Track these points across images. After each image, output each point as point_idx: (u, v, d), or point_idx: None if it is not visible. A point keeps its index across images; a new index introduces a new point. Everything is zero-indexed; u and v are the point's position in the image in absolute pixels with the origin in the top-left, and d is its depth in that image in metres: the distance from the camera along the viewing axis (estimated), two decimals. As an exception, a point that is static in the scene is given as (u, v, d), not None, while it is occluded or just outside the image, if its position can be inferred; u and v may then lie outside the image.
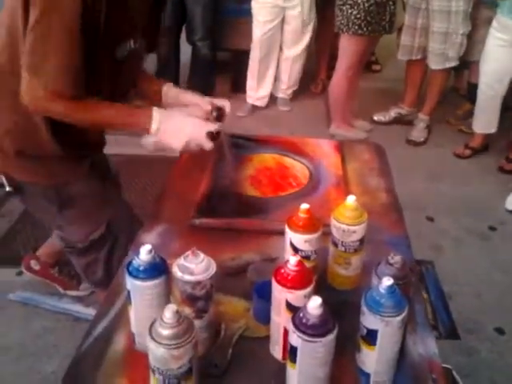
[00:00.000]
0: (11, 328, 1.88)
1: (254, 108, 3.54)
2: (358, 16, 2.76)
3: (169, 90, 1.41)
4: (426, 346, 0.95)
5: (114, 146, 1.61)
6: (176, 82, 3.56)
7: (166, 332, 0.72)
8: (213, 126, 1.24)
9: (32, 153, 1.29)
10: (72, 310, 1.92)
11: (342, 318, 0.96)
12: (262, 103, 3.54)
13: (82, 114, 1.18)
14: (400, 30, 3.15)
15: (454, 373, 1.70)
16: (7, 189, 1.35)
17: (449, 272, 2.27)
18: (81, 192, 1.37)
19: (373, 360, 0.83)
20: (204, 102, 1.37)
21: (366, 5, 2.74)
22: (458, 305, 2.11)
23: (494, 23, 2.76)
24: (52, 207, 1.38)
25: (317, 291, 1.00)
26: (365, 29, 2.80)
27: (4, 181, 1.34)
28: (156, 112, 1.20)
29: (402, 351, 0.90)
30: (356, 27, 2.80)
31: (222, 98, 1.40)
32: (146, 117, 1.20)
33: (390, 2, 2.80)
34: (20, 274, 2.04)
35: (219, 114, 1.36)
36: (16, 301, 1.96)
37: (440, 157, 3.15)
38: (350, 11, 2.78)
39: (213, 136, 1.22)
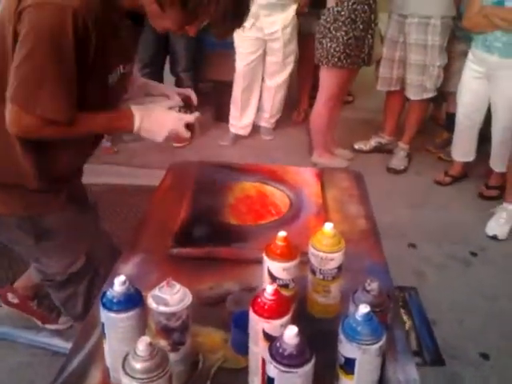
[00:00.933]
0: (-14, 364, 1.83)
1: (237, 137, 3.57)
2: (338, 49, 2.83)
3: (136, 80, 1.46)
4: (406, 373, 0.94)
5: (92, 176, 1.61)
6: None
7: (138, 365, 0.70)
8: (190, 118, 1.34)
9: (7, 183, 1.28)
10: (50, 344, 1.86)
11: (321, 347, 0.96)
12: (244, 132, 3.57)
13: (73, 132, 1.21)
14: (378, 62, 3.23)
15: (439, 401, 1.68)
16: None
17: (432, 298, 2.27)
18: (57, 224, 1.36)
19: (351, 389, 0.82)
20: (172, 93, 1.44)
21: (345, 38, 2.82)
22: (441, 331, 2.10)
23: (470, 56, 2.84)
24: (29, 239, 1.36)
25: (296, 320, 1.00)
26: (344, 61, 2.87)
27: None
28: (136, 111, 1.26)
29: (382, 379, 0.90)
30: (335, 59, 2.86)
31: (187, 89, 1.49)
32: (129, 118, 1.26)
33: (369, 36, 2.88)
34: (-4, 307, 1.99)
35: (188, 104, 1.45)
36: (-9, 335, 1.91)
37: (420, 184, 3.19)
38: (329, 44, 2.85)
39: (189, 126, 1.34)
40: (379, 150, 3.50)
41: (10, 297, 1.90)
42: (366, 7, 2.80)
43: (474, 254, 2.59)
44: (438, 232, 2.73)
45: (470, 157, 3.07)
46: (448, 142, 3.28)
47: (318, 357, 0.86)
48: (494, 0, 2.61)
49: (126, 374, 0.71)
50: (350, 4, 2.77)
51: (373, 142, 3.51)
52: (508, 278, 2.43)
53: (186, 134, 1.32)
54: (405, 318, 2.12)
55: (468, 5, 2.80)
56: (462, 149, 3.08)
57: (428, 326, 2.11)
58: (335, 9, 2.81)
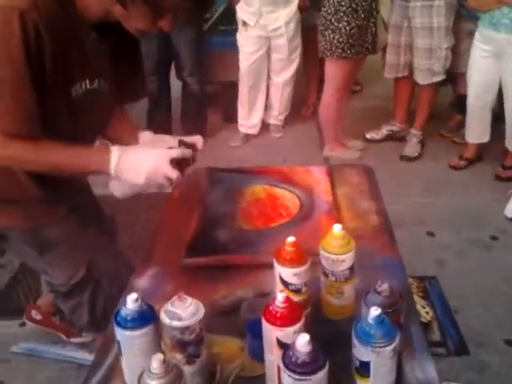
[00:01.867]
0: (16, 381, 1.87)
1: (247, 137, 3.57)
2: (341, 40, 2.81)
3: (145, 135, 1.41)
4: (424, 371, 0.93)
5: (106, 187, 1.60)
6: (168, 119, 3.61)
7: (153, 383, 0.71)
8: (176, 152, 1.17)
9: (8, 196, 1.28)
10: (76, 357, 1.90)
11: (337, 349, 0.96)
12: (254, 131, 3.57)
13: (33, 156, 1.13)
14: (384, 49, 3.19)
15: (466, 391, 1.66)
16: None
17: (454, 286, 2.25)
18: (57, 236, 1.35)
19: (369, 392, 0.82)
20: (172, 139, 1.33)
21: (348, 28, 2.79)
22: (465, 319, 2.08)
23: (477, 35, 2.80)
24: (33, 251, 1.37)
25: (311, 323, 1.01)
26: (348, 51, 2.84)
27: None
28: (115, 149, 1.15)
29: (400, 379, 0.89)
30: (339, 51, 2.84)
31: (195, 136, 1.33)
32: (103, 154, 1.15)
33: (371, 24, 2.85)
34: (23, 324, 2.03)
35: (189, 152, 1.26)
36: (20, 353, 1.95)
37: (435, 170, 3.15)
38: (332, 36, 2.82)
39: (179, 163, 1.16)
40: (391, 138, 3.47)
41: (34, 313, 1.94)
42: None
43: (494, 238, 2.55)
44: (456, 218, 2.70)
45: (485, 138, 3.02)
46: (461, 125, 3.23)
47: (336, 358, 0.86)
48: (499, -23, 2.55)
49: None
50: None
51: (384, 131, 3.48)
52: (531, 260, 2.39)
53: (172, 172, 1.14)
54: (427, 308, 2.10)
55: (473, -17, 2.75)
56: (476, 130, 3.03)
57: (451, 315, 2.09)
58: (335, 0, 2.78)
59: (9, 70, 1.06)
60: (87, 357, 1.85)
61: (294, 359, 0.74)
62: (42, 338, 1.98)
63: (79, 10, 1.14)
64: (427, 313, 2.09)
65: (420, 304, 2.13)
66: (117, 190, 1.24)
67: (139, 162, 1.15)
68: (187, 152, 1.21)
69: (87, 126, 1.27)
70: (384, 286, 0.85)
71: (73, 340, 1.95)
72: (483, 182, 3.00)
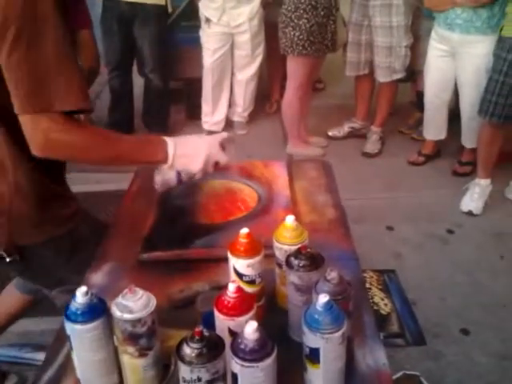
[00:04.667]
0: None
1: (211, 134, 3.55)
2: (301, 37, 2.84)
3: None
4: (375, 357, 0.95)
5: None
6: (131, 115, 3.57)
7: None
8: (223, 135, 1.26)
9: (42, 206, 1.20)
10: (34, 358, 1.85)
11: (291, 338, 0.98)
12: (218, 128, 3.57)
13: (102, 146, 1.09)
14: (345, 47, 3.24)
15: (422, 379, 1.72)
16: (8, 259, 1.21)
17: (412, 279, 2.31)
18: (87, 231, 1.31)
19: (319, 378, 0.83)
20: None
21: (308, 25, 2.82)
22: (423, 310, 2.14)
23: (433, 35, 2.87)
24: (60, 258, 1.29)
25: (266, 314, 1.02)
26: (309, 48, 2.88)
27: (3, 253, 1.21)
28: (169, 139, 1.16)
29: (351, 365, 0.91)
30: (300, 48, 2.87)
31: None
32: (162, 144, 1.15)
33: (330, 22, 2.89)
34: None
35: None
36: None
37: (395, 166, 3.23)
38: (292, 33, 2.85)
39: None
40: (353, 135, 3.53)
41: None
42: None
43: (450, 232, 2.63)
44: (414, 212, 2.77)
45: (442, 135, 3.11)
46: (421, 122, 3.32)
47: (290, 348, 0.88)
48: (451, -23, 2.63)
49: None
50: None
51: (346, 128, 3.54)
52: (485, 253, 2.48)
53: (223, 157, 1.23)
54: (385, 300, 2.16)
55: (427, -16, 2.83)
56: (433, 127, 3.12)
57: (409, 307, 2.14)
58: None
59: (53, 39, 0.96)
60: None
61: (242, 346, 0.74)
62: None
63: None
64: (386, 305, 2.14)
65: (379, 296, 2.18)
66: (162, 182, 1.28)
67: (196, 149, 1.18)
68: (229, 135, 1.29)
69: None
70: (333, 274, 0.86)
71: None
72: (441, 178, 3.09)
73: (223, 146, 1.25)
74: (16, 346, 1.90)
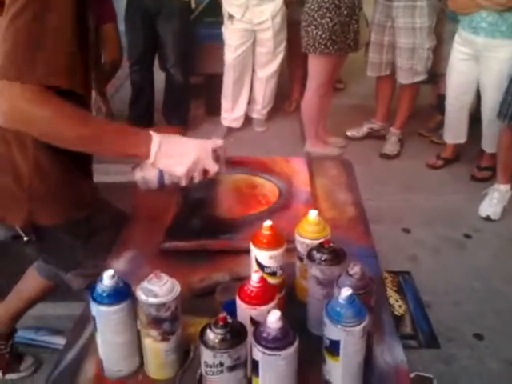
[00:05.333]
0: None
1: (230, 130, 3.58)
2: (323, 36, 2.84)
3: None
4: (393, 354, 0.96)
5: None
6: (151, 109, 3.60)
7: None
8: (217, 142, 1.15)
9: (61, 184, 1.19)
10: (50, 341, 1.89)
11: (309, 332, 0.99)
12: (237, 124, 3.58)
13: (76, 123, 1.02)
14: (367, 47, 3.23)
15: (435, 382, 1.72)
16: (25, 238, 1.21)
17: (427, 281, 2.30)
18: (106, 219, 1.31)
19: (338, 371, 0.84)
20: None
21: (330, 24, 2.82)
22: (437, 313, 2.13)
23: (457, 38, 2.86)
24: (76, 241, 1.28)
25: (285, 306, 1.03)
26: (331, 48, 2.88)
27: (20, 231, 1.20)
28: (155, 135, 1.08)
29: (370, 361, 0.92)
30: (322, 47, 2.87)
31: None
32: (145, 138, 1.07)
33: (353, 21, 2.89)
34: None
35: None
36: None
37: (413, 168, 3.21)
38: (315, 32, 2.85)
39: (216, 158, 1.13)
40: (372, 136, 3.52)
41: None
42: None
43: (468, 236, 2.61)
44: (431, 215, 2.76)
45: (462, 139, 3.09)
46: (441, 125, 3.29)
47: (309, 341, 0.89)
48: (478, -20, 2.61)
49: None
50: None
51: (365, 129, 3.53)
52: (502, 259, 2.46)
53: (213, 165, 1.12)
54: (400, 302, 2.16)
55: (452, -14, 2.81)
56: (453, 131, 3.10)
57: (423, 310, 2.14)
58: None
59: (57, 17, 0.95)
60: (61, 341, 1.85)
61: (264, 334, 0.76)
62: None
63: None
64: (400, 306, 2.14)
65: (394, 298, 2.18)
66: (142, 180, 1.18)
67: (183, 151, 1.09)
68: (222, 143, 1.17)
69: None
70: (356, 269, 0.87)
71: (8, 377, 1.82)
72: (459, 182, 3.07)
73: (217, 154, 1.15)
74: (32, 329, 1.94)
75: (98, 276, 1.26)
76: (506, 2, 2.52)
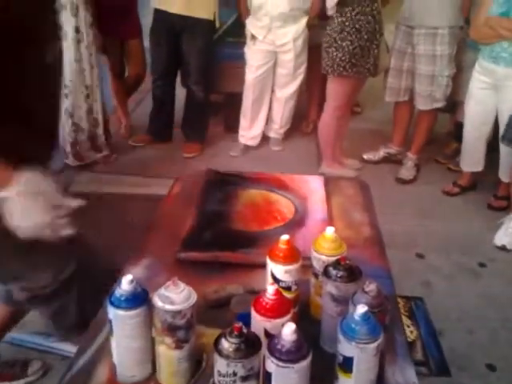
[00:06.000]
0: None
1: (247, 148, 3.61)
2: (343, 58, 2.88)
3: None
4: (404, 376, 0.96)
5: (106, 185, 1.59)
6: (170, 124, 3.66)
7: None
8: (73, 203, 1.03)
9: None
10: (60, 348, 1.89)
11: (322, 349, 0.99)
12: (254, 143, 3.61)
13: None
14: (386, 72, 3.26)
15: (445, 410, 1.68)
16: None
17: (440, 308, 2.27)
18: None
19: (350, 388, 0.84)
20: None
21: (351, 47, 2.86)
22: (449, 341, 2.10)
23: (477, 67, 2.87)
24: (15, 252, 1.19)
25: (299, 322, 1.03)
26: (349, 70, 2.91)
27: None
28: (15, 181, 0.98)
29: (381, 381, 0.91)
30: (341, 69, 2.90)
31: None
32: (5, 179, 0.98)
33: (374, 46, 2.92)
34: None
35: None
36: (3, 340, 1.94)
37: (429, 194, 3.20)
38: (335, 54, 2.89)
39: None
40: (388, 160, 3.52)
41: None
42: (370, 18, 2.84)
43: (482, 265, 2.58)
44: (446, 242, 2.73)
45: (479, 167, 3.07)
46: (458, 152, 3.28)
47: (320, 358, 0.88)
48: (500, 11, 2.64)
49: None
50: (354, 15, 2.82)
51: (382, 153, 3.53)
52: (517, 289, 2.42)
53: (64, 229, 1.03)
54: (411, 327, 2.13)
55: (474, 16, 2.84)
56: (471, 159, 3.09)
57: (434, 337, 2.11)
58: (340, 19, 2.86)
59: None
60: (71, 349, 1.85)
61: (279, 346, 0.76)
62: (24, 326, 1.97)
63: None
64: (411, 332, 2.11)
65: (405, 323, 2.15)
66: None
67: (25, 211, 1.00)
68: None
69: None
70: (372, 286, 0.88)
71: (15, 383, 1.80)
72: (475, 210, 3.04)
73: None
74: (42, 335, 1.94)
75: (42, 290, 1.24)
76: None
